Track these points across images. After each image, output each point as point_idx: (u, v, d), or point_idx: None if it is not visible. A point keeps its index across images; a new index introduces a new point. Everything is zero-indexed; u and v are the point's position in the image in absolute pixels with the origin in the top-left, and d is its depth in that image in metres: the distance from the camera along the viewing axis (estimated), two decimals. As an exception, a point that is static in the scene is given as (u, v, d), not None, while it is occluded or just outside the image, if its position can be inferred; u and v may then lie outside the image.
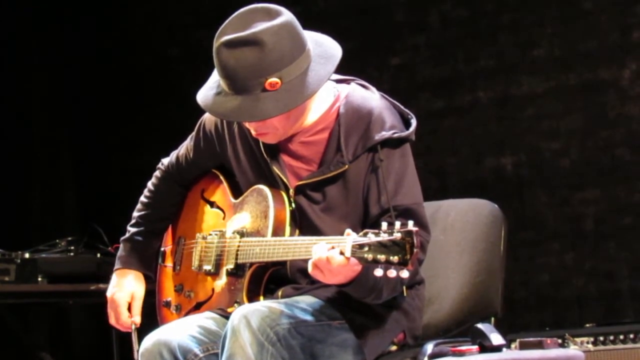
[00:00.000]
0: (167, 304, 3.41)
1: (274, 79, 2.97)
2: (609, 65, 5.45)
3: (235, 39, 2.96)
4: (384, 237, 2.72)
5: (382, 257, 2.72)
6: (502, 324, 3.38)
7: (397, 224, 2.73)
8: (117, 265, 3.45)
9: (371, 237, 2.74)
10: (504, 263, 3.44)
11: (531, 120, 5.61)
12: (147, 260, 3.46)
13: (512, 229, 3.53)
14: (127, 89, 6.59)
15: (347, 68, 3.17)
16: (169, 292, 3.43)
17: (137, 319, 3.40)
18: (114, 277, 3.44)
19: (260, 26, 2.96)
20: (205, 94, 3.08)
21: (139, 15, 6.63)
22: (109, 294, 3.42)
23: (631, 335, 4.56)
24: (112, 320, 3.42)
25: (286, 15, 3.01)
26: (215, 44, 3.00)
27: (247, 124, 3.13)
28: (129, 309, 3.40)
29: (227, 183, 3.33)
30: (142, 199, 3.49)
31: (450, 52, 5.81)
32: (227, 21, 3.02)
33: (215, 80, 3.08)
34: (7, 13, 6.35)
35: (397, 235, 2.71)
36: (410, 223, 2.73)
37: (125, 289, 3.40)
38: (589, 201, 5.47)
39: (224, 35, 2.99)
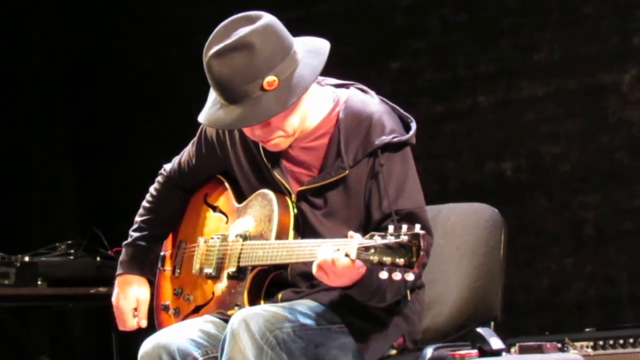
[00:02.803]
0: (166, 308, 3.40)
1: (271, 78, 2.97)
2: (609, 69, 5.44)
3: (223, 47, 2.97)
4: (390, 239, 2.72)
5: (387, 259, 2.72)
6: (502, 328, 3.38)
7: (404, 226, 2.74)
8: (119, 270, 3.46)
9: (377, 240, 2.74)
10: (504, 267, 3.43)
11: (531, 124, 5.60)
12: (149, 265, 3.46)
13: (512, 233, 3.52)
14: (128, 93, 6.59)
15: (348, 72, 3.17)
16: (167, 296, 3.43)
17: (143, 322, 3.41)
18: (117, 284, 3.44)
19: (244, 30, 2.97)
20: (206, 113, 3.08)
21: (139, 17, 6.63)
22: (114, 300, 3.43)
23: (631, 340, 4.55)
24: (120, 327, 3.43)
25: (267, 17, 3.02)
26: (205, 59, 3.01)
27: (251, 136, 3.13)
28: (135, 315, 3.41)
29: (231, 188, 3.32)
30: (145, 203, 3.49)
31: (451, 57, 5.81)
32: (210, 37, 3.03)
33: (212, 99, 3.08)
34: (7, 12, 6.35)
35: (404, 238, 2.71)
36: (418, 226, 2.73)
37: (129, 297, 3.41)
38: (589, 206, 5.46)
39: (211, 48, 3.00)
